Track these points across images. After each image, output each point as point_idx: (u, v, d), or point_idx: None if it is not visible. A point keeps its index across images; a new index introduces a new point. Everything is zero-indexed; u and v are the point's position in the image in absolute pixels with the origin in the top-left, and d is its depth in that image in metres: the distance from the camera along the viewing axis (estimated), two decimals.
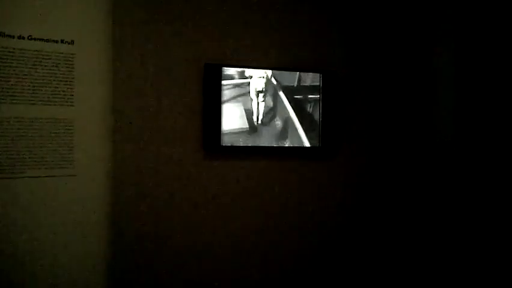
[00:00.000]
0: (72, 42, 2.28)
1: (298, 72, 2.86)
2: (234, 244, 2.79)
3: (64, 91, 2.27)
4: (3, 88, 2.12)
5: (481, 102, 2.81)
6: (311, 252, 2.98)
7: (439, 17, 3.08)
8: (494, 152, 2.75)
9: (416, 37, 3.17)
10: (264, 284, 2.87)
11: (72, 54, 2.28)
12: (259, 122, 2.76)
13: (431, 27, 3.14)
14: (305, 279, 2.96)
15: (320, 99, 2.92)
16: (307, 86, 2.89)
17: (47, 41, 2.24)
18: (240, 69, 2.70)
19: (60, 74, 2.26)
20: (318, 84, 2.89)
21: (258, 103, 2.76)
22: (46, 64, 2.24)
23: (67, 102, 2.28)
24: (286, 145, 2.87)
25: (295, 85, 2.86)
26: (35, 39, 2.22)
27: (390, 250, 3.14)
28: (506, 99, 2.68)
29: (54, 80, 2.25)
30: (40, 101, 2.23)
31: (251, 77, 2.73)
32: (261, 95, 2.77)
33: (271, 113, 2.81)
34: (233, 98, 2.71)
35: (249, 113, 2.74)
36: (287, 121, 2.87)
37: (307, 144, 2.91)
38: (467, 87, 2.87)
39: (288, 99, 2.85)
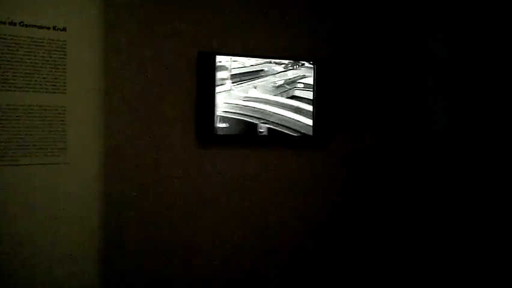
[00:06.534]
0: (64, 29, 2.27)
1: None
2: (227, 234, 2.79)
3: (56, 78, 2.26)
4: None
5: (475, 90, 2.79)
6: (306, 242, 2.98)
7: (433, 5, 3.06)
8: (488, 138, 2.74)
9: (410, 26, 3.14)
10: (259, 272, 2.88)
11: (64, 41, 2.26)
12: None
13: (425, 16, 3.11)
14: (299, 268, 2.97)
15: (313, 88, 2.92)
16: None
17: (39, 27, 2.22)
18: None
19: (53, 61, 2.25)
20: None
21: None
22: (38, 51, 2.22)
23: (59, 89, 2.27)
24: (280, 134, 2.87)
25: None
26: (26, 25, 2.20)
27: (384, 241, 3.14)
28: (501, 88, 2.67)
29: (46, 67, 2.24)
30: (32, 88, 2.22)
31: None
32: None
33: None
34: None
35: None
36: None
37: (300, 133, 2.91)
38: (462, 75, 2.86)
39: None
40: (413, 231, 3.13)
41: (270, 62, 2.89)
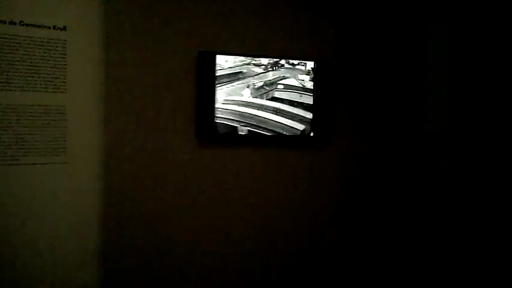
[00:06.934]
0: (64, 29, 2.26)
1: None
2: (226, 233, 2.83)
3: (56, 78, 2.25)
4: None
5: (474, 90, 2.84)
6: (307, 242, 3.05)
7: (433, 6, 3.12)
8: (487, 139, 2.78)
9: (410, 27, 3.21)
10: (259, 271, 2.93)
11: (64, 40, 2.26)
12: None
13: (425, 16, 3.17)
14: (299, 268, 3.03)
15: (313, 88, 2.99)
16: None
17: (40, 27, 2.21)
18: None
19: (53, 60, 2.24)
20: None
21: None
22: (38, 50, 2.21)
23: (59, 89, 2.27)
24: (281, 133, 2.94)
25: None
26: (27, 25, 2.18)
27: (384, 241, 3.21)
28: (501, 88, 2.71)
29: (46, 67, 2.22)
30: (32, 87, 2.21)
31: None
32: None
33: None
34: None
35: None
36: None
37: (300, 133, 2.98)
38: (461, 75, 2.90)
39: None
40: (412, 230, 3.19)
41: (249, 64, 2.92)
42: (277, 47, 2.93)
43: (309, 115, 3.05)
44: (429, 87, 3.15)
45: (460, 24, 2.92)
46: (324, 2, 3.03)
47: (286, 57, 2.93)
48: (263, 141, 2.90)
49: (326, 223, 3.07)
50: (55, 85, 2.26)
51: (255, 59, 2.91)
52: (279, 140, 2.95)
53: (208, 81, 2.72)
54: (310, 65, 3.05)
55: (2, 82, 2.14)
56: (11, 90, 2.17)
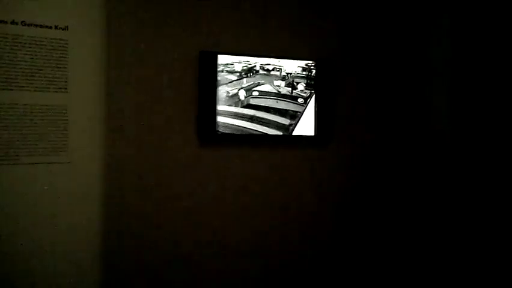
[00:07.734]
0: (66, 28, 2.29)
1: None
2: (227, 233, 2.83)
3: (57, 77, 2.27)
4: None
5: (475, 90, 2.85)
6: (309, 241, 3.05)
7: (435, 7, 3.15)
8: (488, 139, 2.79)
9: (412, 26, 3.25)
10: (259, 271, 2.93)
11: (66, 40, 2.29)
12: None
13: (426, 17, 3.20)
14: (299, 268, 3.04)
15: (314, 87, 3.03)
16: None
17: (41, 26, 2.23)
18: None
19: (54, 60, 2.26)
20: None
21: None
22: (40, 50, 2.23)
23: (60, 88, 2.28)
24: (282, 134, 2.97)
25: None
26: (28, 24, 2.20)
27: (384, 241, 3.23)
28: (501, 89, 2.73)
29: (48, 66, 2.24)
30: (34, 87, 2.22)
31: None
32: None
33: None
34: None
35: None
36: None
37: (302, 133, 3.01)
38: (462, 76, 2.93)
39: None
40: (413, 230, 3.22)
41: (223, 71, 2.90)
42: (279, 46, 2.96)
43: (285, 121, 3.08)
44: (430, 87, 3.19)
45: (461, 24, 2.98)
46: (325, 2, 3.08)
47: (287, 57, 2.97)
48: (265, 141, 2.93)
49: (327, 223, 3.10)
50: (57, 85, 2.27)
51: (228, 65, 2.95)
52: (281, 139, 2.97)
53: (209, 81, 2.76)
54: (285, 70, 3.08)
55: (3, 81, 2.14)
56: (13, 89, 2.16)
